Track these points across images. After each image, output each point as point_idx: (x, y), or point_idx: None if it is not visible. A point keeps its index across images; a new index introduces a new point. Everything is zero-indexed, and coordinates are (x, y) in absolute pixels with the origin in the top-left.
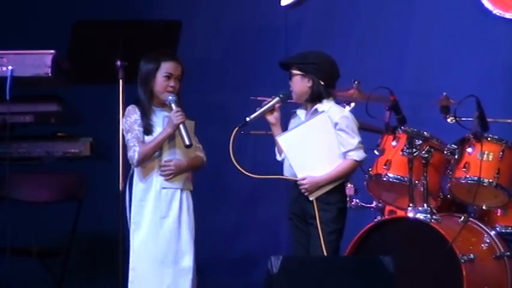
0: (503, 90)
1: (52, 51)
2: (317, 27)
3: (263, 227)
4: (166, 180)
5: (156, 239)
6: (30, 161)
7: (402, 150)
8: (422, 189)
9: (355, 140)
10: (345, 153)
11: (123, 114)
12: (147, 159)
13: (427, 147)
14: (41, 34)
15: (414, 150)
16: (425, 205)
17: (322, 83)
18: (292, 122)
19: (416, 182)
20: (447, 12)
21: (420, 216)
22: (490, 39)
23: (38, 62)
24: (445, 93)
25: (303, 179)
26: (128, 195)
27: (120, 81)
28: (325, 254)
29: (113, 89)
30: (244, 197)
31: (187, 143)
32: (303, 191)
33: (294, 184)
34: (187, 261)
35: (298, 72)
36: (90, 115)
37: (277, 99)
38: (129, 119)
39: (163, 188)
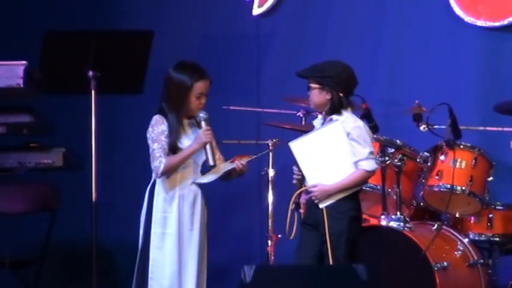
0: (476, 97)
1: (24, 62)
2: (289, 36)
3: (236, 236)
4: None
5: (179, 251)
6: (2, 172)
7: (374, 159)
8: (395, 198)
9: (366, 150)
10: (356, 163)
11: (95, 125)
12: (172, 171)
13: (400, 155)
14: (12, 44)
15: (387, 158)
16: (398, 213)
17: (341, 94)
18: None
19: (389, 190)
20: (419, 20)
21: (393, 224)
22: (461, 47)
23: (10, 73)
24: (417, 101)
25: (314, 186)
26: (147, 205)
27: (93, 91)
28: (330, 262)
29: (85, 99)
30: (218, 206)
31: (211, 163)
32: (313, 198)
33: (307, 193)
34: (204, 277)
35: (316, 85)
36: (62, 125)
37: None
38: (157, 129)
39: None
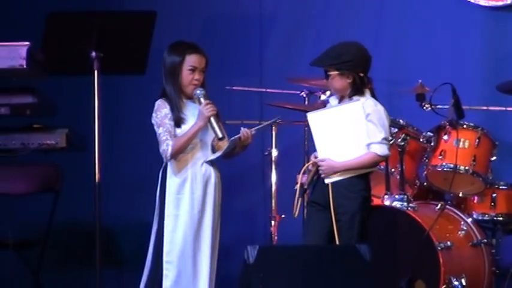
0: (479, 77)
1: (27, 43)
2: (291, 17)
3: (240, 217)
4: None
5: (194, 233)
6: (5, 153)
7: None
8: (398, 177)
9: (382, 134)
10: (368, 145)
11: (98, 105)
12: (180, 152)
13: (403, 135)
14: (15, 26)
15: (390, 138)
16: (401, 193)
17: (361, 74)
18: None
19: (393, 170)
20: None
21: (397, 204)
22: (465, 27)
23: (13, 54)
24: (420, 81)
25: (322, 161)
26: (160, 188)
27: (95, 72)
28: (337, 242)
29: (88, 80)
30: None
31: (219, 135)
32: (319, 172)
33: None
34: (215, 257)
35: (336, 72)
36: (65, 106)
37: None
38: (160, 114)
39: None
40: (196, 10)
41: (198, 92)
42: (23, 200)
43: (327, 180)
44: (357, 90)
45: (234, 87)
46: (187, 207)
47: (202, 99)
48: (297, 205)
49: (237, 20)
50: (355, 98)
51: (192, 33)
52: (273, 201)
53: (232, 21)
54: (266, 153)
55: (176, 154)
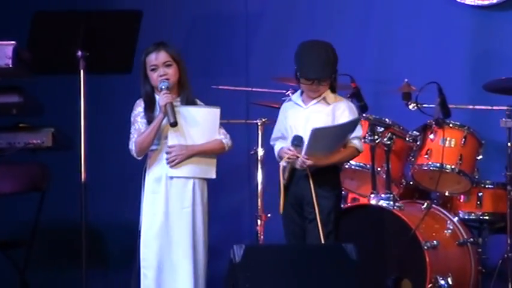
0: (465, 76)
1: (13, 42)
2: (277, 16)
3: (225, 216)
4: (172, 167)
5: (170, 231)
6: None
7: (364, 138)
8: (384, 177)
9: (360, 131)
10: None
11: (84, 105)
12: (145, 148)
13: (389, 134)
14: (1, 25)
15: (376, 137)
16: (387, 192)
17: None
18: (290, 108)
19: (379, 169)
20: None
21: (383, 203)
22: (451, 26)
23: None
24: (406, 80)
25: (308, 159)
26: (141, 187)
27: (81, 71)
28: (322, 241)
29: (74, 80)
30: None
31: (170, 120)
32: (299, 162)
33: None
34: (200, 256)
35: (329, 79)
36: (51, 106)
37: (295, 150)
38: (134, 112)
39: (172, 177)
40: (182, 9)
41: (160, 84)
42: (9, 200)
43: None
44: (333, 89)
45: (220, 87)
46: (162, 206)
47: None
48: (283, 202)
49: (222, 19)
50: (327, 97)
51: (178, 33)
52: (259, 200)
53: (218, 21)
54: (252, 152)
55: (141, 150)
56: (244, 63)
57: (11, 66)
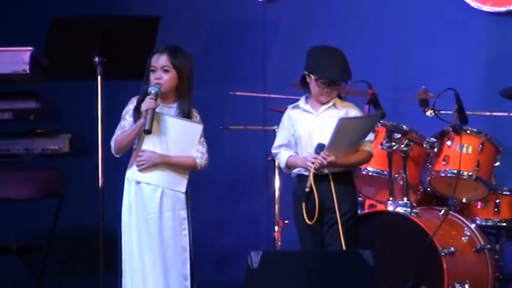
0: (482, 82)
1: (30, 48)
2: (295, 22)
3: (243, 223)
4: (140, 171)
5: (140, 235)
6: (9, 158)
7: (381, 144)
8: (402, 183)
9: (372, 136)
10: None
11: (101, 110)
12: (123, 148)
13: (406, 140)
14: (18, 31)
15: (393, 143)
16: (405, 199)
17: None
18: (297, 115)
19: (396, 175)
20: (425, 5)
21: (400, 209)
22: (468, 32)
23: (16, 59)
24: (423, 87)
25: (328, 156)
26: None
27: (99, 77)
28: (343, 247)
29: (92, 85)
30: (224, 192)
31: (145, 127)
32: (318, 161)
33: (302, 179)
34: (174, 262)
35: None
36: (68, 111)
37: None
38: (126, 108)
39: (138, 182)
40: (200, 16)
41: (149, 88)
42: (26, 205)
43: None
44: (339, 95)
45: (237, 93)
46: (133, 211)
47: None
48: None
49: (240, 25)
50: (337, 103)
51: (196, 39)
52: (276, 206)
53: (235, 27)
54: (269, 158)
55: (120, 149)
56: (261, 69)
57: (28, 72)
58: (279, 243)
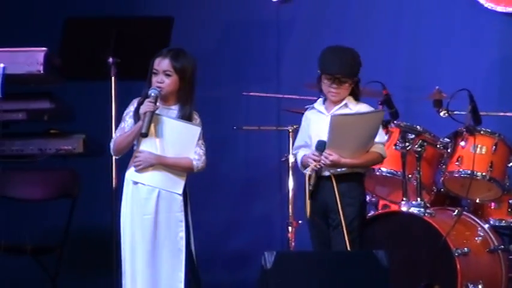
0: (496, 83)
1: (44, 48)
2: (309, 22)
3: (257, 223)
4: (137, 171)
5: (132, 236)
6: (23, 159)
7: (395, 145)
8: (415, 183)
9: (385, 137)
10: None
11: (115, 111)
12: (122, 149)
13: (420, 141)
14: (33, 31)
15: (407, 144)
16: (418, 199)
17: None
18: (312, 115)
19: (410, 176)
20: (439, 5)
21: (414, 210)
22: (481, 33)
23: (30, 59)
24: (437, 87)
25: (331, 154)
26: None
27: (113, 78)
28: (348, 248)
29: (105, 86)
30: (238, 193)
31: (142, 130)
32: (322, 162)
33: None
34: (165, 266)
35: (350, 81)
36: (82, 112)
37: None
38: (127, 109)
39: (136, 183)
40: (214, 16)
41: (150, 91)
42: (40, 206)
43: (324, 172)
44: (353, 94)
45: (251, 93)
46: (128, 211)
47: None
48: (309, 207)
49: (254, 26)
50: (349, 103)
51: (210, 39)
52: (290, 207)
53: (249, 28)
54: (283, 159)
55: (119, 150)
56: (275, 69)
57: (42, 72)
58: (293, 243)
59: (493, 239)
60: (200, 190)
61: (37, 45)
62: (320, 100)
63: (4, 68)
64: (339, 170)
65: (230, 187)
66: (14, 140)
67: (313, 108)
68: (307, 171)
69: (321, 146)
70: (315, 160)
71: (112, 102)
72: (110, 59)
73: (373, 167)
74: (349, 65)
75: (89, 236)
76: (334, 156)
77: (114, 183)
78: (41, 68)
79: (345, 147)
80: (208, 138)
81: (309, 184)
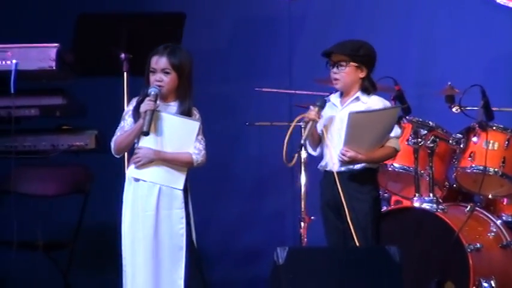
0: (508, 78)
1: (56, 44)
2: (321, 19)
3: (269, 219)
4: (137, 168)
5: (134, 233)
6: (35, 155)
7: (407, 140)
8: (428, 179)
9: (399, 131)
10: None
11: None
12: (123, 149)
13: (432, 136)
14: (45, 27)
15: (419, 140)
16: (431, 195)
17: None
18: (327, 108)
19: (422, 171)
20: (451, 1)
21: (426, 206)
22: (493, 28)
23: (43, 55)
24: (449, 83)
25: (347, 151)
26: None
27: (125, 73)
28: (357, 244)
29: (118, 82)
30: (250, 188)
31: (143, 129)
32: (339, 157)
33: (325, 175)
34: (165, 263)
35: (353, 63)
36: (94, 108)
37: (316, 109)
38: (126, 108)
39: (137, 179)
40: (225, 12)
41: (149, 89)
42: (52, 202)
43: (342, 167)
44: (363, 88)
45: (263, 89)
46: (128, 208)
47: (151, 97)
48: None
49: (266, 21)
50: (361, 97)
51: (222, 36)
52: (302, 202)
53: (261, 23)
54: (295, 154)
55: (119, 150)
56: (287, 65)
57: (54, 68)
58: (305, 239)
59: (506, 234)
60: (212, 186)
61: (49, 41)
62: (338, 93)
63: (16, 64)
64: (350, 166)
65: (242, 183)
66: (26, 136)
67: (329, 101)
68: (302, 123)
69: (319, 102)
70: (310, 115)
71: (124, 98)
72: (122, 55)
73: (386, 162)
74: (347, 47)
75: (101, 232)
76: (351, 153)
77: (126, 179)
78: (53, 64)
79: (361, 144)
80: (221, 135)
81: (303, 135)
